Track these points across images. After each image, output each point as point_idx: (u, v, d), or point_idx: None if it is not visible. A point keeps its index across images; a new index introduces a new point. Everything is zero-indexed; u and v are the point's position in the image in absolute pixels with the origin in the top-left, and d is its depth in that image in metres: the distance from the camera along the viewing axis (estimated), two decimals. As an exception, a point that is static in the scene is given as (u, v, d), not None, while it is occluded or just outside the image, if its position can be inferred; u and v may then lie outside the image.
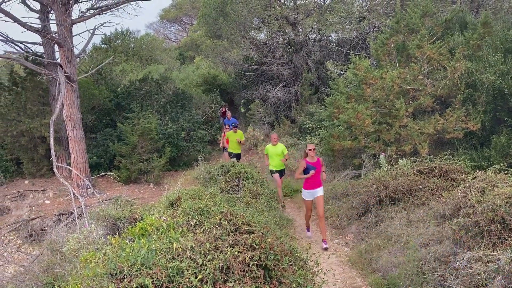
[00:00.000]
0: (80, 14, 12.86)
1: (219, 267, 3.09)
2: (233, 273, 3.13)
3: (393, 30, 10.33)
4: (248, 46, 19.09)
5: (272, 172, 9.90)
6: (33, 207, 12.19)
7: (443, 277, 4.87)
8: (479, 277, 4.40)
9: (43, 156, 13.68)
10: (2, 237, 11.20)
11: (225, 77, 23.00)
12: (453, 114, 8.96)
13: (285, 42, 18.74)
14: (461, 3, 12.52)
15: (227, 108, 19.16)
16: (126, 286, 2.86)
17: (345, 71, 13.55)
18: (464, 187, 6.02)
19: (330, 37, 18.42)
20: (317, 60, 18.50)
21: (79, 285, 3.26)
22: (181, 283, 2.93)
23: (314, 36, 18.34)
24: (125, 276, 3.00)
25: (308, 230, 8.08)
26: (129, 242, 3.88)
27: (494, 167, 6.34)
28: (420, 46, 9.34)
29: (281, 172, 10.02)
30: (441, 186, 7.24)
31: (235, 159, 11.96)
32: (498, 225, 4.84)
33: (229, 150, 12.35)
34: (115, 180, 13.51)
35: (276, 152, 9.73)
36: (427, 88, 9.33)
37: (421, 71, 9.47)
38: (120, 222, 6.12)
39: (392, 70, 9.64)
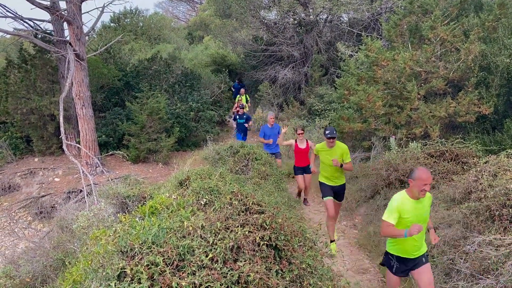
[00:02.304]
0: (89, -8, 12.75)
1: (229, 246, 3.09)
2: (243, 252, 3.13)
3: (406, 11, 10.14)
4: (258, 26, 18.86)
5: None
6: (43, 185, 12.31)
7: (453, 261, 4.87)
8: (489, 261, 4.39)
9: (53, 134, 13.75)
10: (13, 214, 11.35)
11: (234, 58, 22.82)
12: (465, 98, 8.82)
13: (296, 22, 18.50)
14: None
15: (244, 95, 16.95)
16: (137, 263, 2.87)
17: (356, 52, 13.38)
18: (476, 171, 5.96)
19: (341, 18, 18.13)
20: (328, 41, 18.26)
21: (90, 262, 3.28)
22: (191, 261, 2.93)
23: (325, 16, 18.08)
24: (135, 254, 3.01)
25: None
26: (139, 220, 3.89)
27: (507, 152, 6.26)
28: (434, 28, 9.16)
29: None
30: (452, 170, 7.17)
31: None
32: (510, 209, 4.80)
33: (321, 179, 6.78)
34: (124, 159, 13.59)
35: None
36: (439, 71, 9.18)
37: (434, 53, 9.31)
38: (130, 201, 6.16)
39: (404, 52, 9.49)
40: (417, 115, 9.06)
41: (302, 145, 8.41)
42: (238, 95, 16.82)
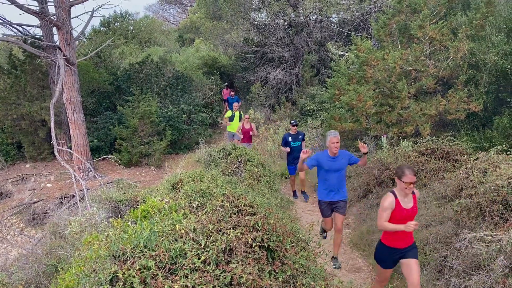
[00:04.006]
0: (78, -4, 12.69)
1: (221, 248, 3.09)
2: (236, 254, 3.14)
3: (395, 10, 10.20)
4: (248, 27, 18.90)
5: None
6: (35, 191, 12.23)
7: (445, 258, 4.90)
8: (481, 258, 4.43)
9: (44, 139, 13.67)
10: (5, 220, 11.26)
11: (225, 60, 22.85)
12: (455, 95, 8.90)
13: (286, 23, 18.55)
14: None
15: (238, 111, 12.60)
16: (129, 268, 2.86)
17: (347, 52, 13.44)
18: (466, 168, 6.01)
19: (331, 18, 18.23)
20: (318, 41, 18.34)
21: (82, 267, 3.27)
22: (184, 264, 2.93)
23: (315, 17, 18.15)
24: (127, 258, 3.00)
25: None
26: (131, 224, 3.88)
27: (496, 148, 6.32)
28: (423, 27, 9.22)
29: None
30: (443, 168, 7.23)
31: None
32: (500, 205, 4.85)
33: None
34: (116, 163, 13.53)
35: None
36: (429, 69, 9.25)
37: (423, 52, 9.37)
38: (122, 205, 6.15)
39: (394, 51, 9.54)
40: (407, 113, 9.11)
41: (408, 202, 4.20)
42: (230, 111, 12.87)
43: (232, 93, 18.24)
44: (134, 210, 4.47)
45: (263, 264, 3.19)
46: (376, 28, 10.50)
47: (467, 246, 4.69)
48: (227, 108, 16.05)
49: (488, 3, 8.99)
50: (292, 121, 9.31)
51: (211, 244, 3.12)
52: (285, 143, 9.01)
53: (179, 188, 5.51)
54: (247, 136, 11.35)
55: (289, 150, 8.97)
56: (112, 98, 15.94)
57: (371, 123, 9.75)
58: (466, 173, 5.90)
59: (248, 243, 3.23)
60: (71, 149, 12.39)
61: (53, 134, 8.72)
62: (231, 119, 12.47)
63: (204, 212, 3.75)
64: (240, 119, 12.42)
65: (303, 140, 9.19)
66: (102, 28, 26.41)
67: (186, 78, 17.92)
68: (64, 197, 11.47)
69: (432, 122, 9.19)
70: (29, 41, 13.09)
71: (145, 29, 28.09)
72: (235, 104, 12.85)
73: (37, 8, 12.26)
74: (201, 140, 12.99)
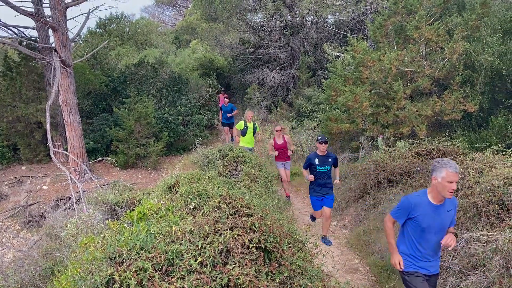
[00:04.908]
0: (74, -3, 12.65)
1: (218, 250, 3.08)
2: (232, 255, 3.13)
3: (391, 11, 10.23)
4: (244, 29, 18.92)
5: None
6: (31, 193, 12.17)
7: (441, 258, 4.90)
8: (477, 257, 4.44)
9: (40, 141, 13.61)
10: (1, 223, 11.21)
11: (222, 61, 22.85)
12: (451, 96, 8.93)
13: (282, 24, 18.57)
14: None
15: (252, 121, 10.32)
16: (125, 269, 2.85)
17: (343, 53, 13.46)
18: (462, 169, 6.03)
19: (327, 19, 18.28)
20: (315, 42, 18.38)
21: (78, 270, 3.25)
22: (180, 266, 2.92)
23: (311, 18, 18.20)
24: (124, 260, 2.99)
25: None
26: (127, 226, 3.87)
27: (492, 148, 6.34)
28: (418, 27, 9.25)
29: None
30: (439, 168, 7.23)
31: None
32: (496, 205, 4.86)
33: None
34: (113, 165, 13.49)
35: None
36: (425, 70, 9.28)
37: (419, 53, 9.40)
38: (119, 207, 6.11)
39: (390, 52, 9.57)
40: (404, 114, 9.13)
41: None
42: (243, 121, 10.39)
43: (226, 100, 14.85)
44: (130, 212, 4.45)
45: (260, 265, 3.18)
46: (372, 29, 10.53)
47: (463, 246, 4.70)
48: (221, 115, 15.79)
49: (483, 4, 9.03)
50: (319, 137, 6.66)
51: (208, 245, 3.11)
52: (309, 166, 6.72)
53: (175, 190, 5.49)
54: (282, 153, 8.91)
55: (313, 178, 6.67)
56: (108, 99, 15.89)
57: (367, 124, 9.77)
58: (462, 174, 5.92)
59: (245, 244, 3.22)
60: (67, 151, 12.34)
61: (49, 136, 8.68)
62: (243, 132, 10.12)
63: (201, 213, 3.74)
64: (254, 132, 10.29)
65: (335, 165, 6.78)
66: (98, 30, 26.35)
67: (183, 80, 17.88)
68: (60, 199, 11.43)
69: (428, 123, 9.22)
70: (24, 43, 13.04)
71: (141, 31, 28.06)
72: (249, 113, 10.42)
73: (33, 9, 12.21)
74: (198, 141, 12.96)
